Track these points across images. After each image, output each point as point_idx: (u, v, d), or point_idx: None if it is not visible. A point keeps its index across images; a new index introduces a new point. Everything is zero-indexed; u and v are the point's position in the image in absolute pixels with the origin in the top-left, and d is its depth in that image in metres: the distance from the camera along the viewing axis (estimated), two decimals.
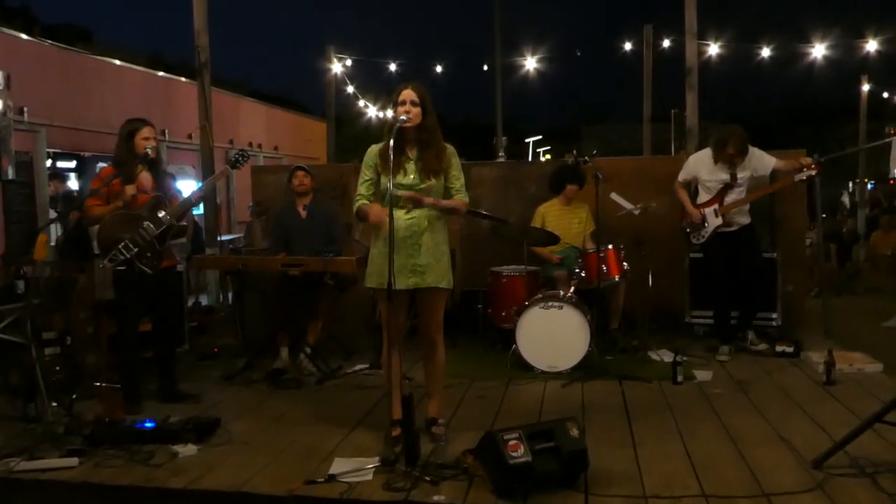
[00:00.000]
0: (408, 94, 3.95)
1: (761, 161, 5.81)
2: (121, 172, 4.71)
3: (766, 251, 6.47)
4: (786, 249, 6.71)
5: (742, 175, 5.77)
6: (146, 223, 4.69)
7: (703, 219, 5.88)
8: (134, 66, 12.48)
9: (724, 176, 5.79)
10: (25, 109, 8.98)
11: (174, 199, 4.91)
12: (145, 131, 4.79)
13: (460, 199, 4.10)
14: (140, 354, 4.92)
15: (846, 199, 21.37)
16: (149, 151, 4.75)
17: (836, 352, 5.30)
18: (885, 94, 19.00)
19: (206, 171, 7.90)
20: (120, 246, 4.62)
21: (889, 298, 9.76)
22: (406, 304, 4.18)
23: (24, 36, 9.75)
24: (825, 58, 13.00)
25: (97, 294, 5.76)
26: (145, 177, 4.82)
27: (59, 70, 10.00)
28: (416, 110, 3.93)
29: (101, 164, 12.58)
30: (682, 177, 6.05)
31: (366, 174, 4.06)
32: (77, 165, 12.68)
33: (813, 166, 5.64)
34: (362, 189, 4.06)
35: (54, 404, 4.46)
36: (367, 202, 4.04)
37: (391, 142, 3.80)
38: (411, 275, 3.98)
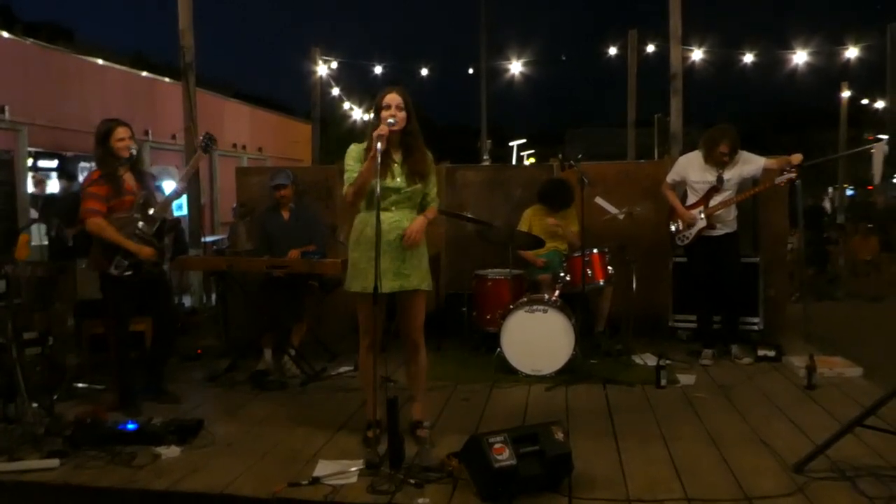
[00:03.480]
0: (393, 97, 3.95)
1: (750, 162, 5.79)
2: (105, 176, 4.68)
3: (749, 256, 6.52)
4: (768, 254, 6.76)
5: (728, 177, 5.77)
6: (140, 223, 4.69)
7: (692, 220, 5.89)
8: (117, 66, 12.40)
9: (712, 178, 5.80)
10: (6, 108, 8.90)
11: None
12: (120, 132, 4.69)
13: (434, 207, 4.17)
14: (132, 355, 4.91)
15: (827, 205, 21.58)
16: (133, 152, 4.73)
17: (816, 356, 5.35)
18: (865, 101, 19.23)
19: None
20: (122, 252, 4.63)
21: (868, 303, 9.88)
22: (386, 307, 4.17)
23: (4, 34, 9.66)
24: (806, 64, 13.17)
25: (79, 294, 5.72)
26: (129, 177, 4.78)
27: (40, 68, 9.92)
28: (402, 115, 3.95)
29: (82, 164, 12.53)
30: (670, 178, 6.07)
31: (354, 167, 4.00)
32: (59, 165, 12.58)
33: (792, 169, 5.66)
34: (353, 176, 3.99)
35: (35, 405, 4.41)
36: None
37: (378, 145, 3.80)
38: (396, 278, 3.99)
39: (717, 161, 5.77)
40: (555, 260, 6.35)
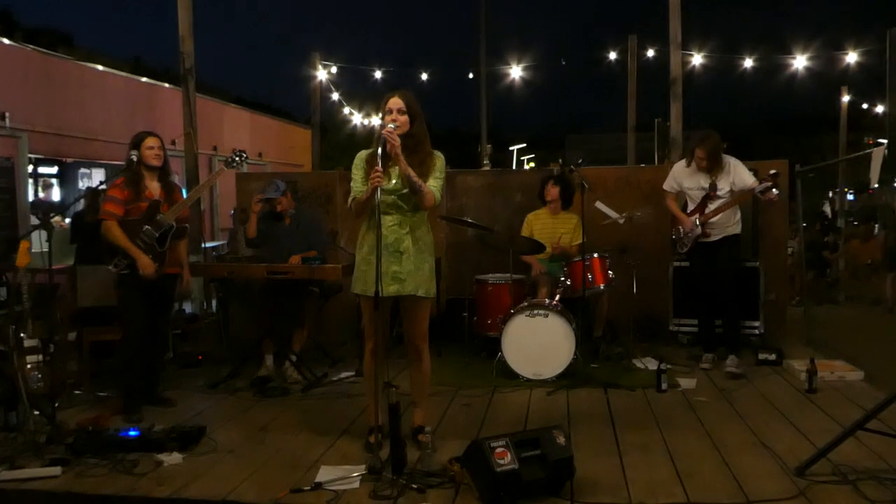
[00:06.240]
0: (395, 102, 3.96)
1: (741, 176, 5.69)
2: (126, 180, 4.87)
3: (749, 260, 6.52)
4: (768, 258, 6.77)
5: (722, 185, 5.72)
6: (146, 227, 4.83)
7: (691, 227, 5.87)
8: (117, 72, 12.42)
9: (705, 184, 5.78)
10: (6, 114, 8.91)
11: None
12: (149, 141, 4.93)
13: (430, 189, 3.97)
14: (141, 359, 4.94)
15: (828, 209, 21.62)
16: (133, 158, 4.85)
17: (817, 360, 5.35)
18: (865, 105, 19.25)
19: (189, 178, 7.86)
20: (121, 252, 4.77)
21: (869, 307, 9.88)
22: (389, 311, 4.18)
23: (5, 40, 9.68)
24: (806, 69, 13.19)
25: (80, 301, 5.73)
26: (154, 186, 4.96)
27: (40, 75, 9.93)
28: (403, 118, 3.94)
29: (82, 170, 12.56)
30: (667, 185, 6.04)
31: (357, 174, 4.05)
32: (58, 171, 12.61)
33: (768, 178, 5.54)
34: (357, 186, 4.03)
35: (36, 413, 4.42)
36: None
37: (379, 150, 3.82)
38: (392, 282, 3.96)
39: (699, 166, 5.75)
40: (555, 265, 6.35)
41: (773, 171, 5.60)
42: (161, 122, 11.48)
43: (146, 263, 4.76)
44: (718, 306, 5.93)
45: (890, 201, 15.73)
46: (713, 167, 5.71)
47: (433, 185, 4.00)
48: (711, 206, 5.76)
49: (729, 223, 5.82)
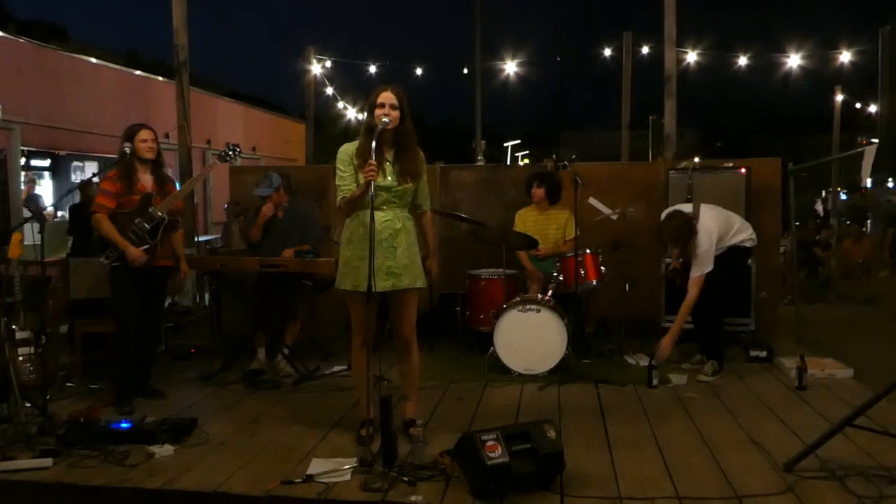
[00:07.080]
0: (387, 96, 3.94)
1: (695, 263, 5.52)
2: (119, 173, 4.88)
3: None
4: (760, 257, 6.78)
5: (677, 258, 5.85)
6: (137, 220, 4.86)
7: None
8: (110, 65, 12.38)
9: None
10: None
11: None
12: (142, 134, 4.94)
13: (428, 214, 4.31)
14: (134, 351, 4.95)
15: (819, 207, 21.70)
16: (126, 150, 4.86)
17: (807, 357, 5.38)
18: (858, 105, 19.34)
19: (183, 171, 7.86)
20: (112, 245, 4.80)
21: (860, 306, 9.92)
22: (377, 306, 4.19)
23: None
24: (800, 68, 13.25)
25: (72, 293, 5.73)
26: (147, 179, 4.97)
27: (34, 67, 9.90)
28: (396, 113, 3.93)
29: (75, 163, 12.51)
30: None
31: (345, 170, 4.01)
32: (51, 164, 12.55)
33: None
34: (346, 183, 4.01)
35: (28, 404, 4.42)
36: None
37: (373, 144, 3.81)
38: (388, 277, 3.98)
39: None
40: (548, 261, 6.36)
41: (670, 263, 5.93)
42: (155, 115, 11.45)
43: (134, 253, 4.78)
44: (706, 310, 5.89)
45: (883, 201, 15.82)
46: (678, 246, 5.69)
47: (426, 195, 4.23)
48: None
49: (744, 235, 5.72)
